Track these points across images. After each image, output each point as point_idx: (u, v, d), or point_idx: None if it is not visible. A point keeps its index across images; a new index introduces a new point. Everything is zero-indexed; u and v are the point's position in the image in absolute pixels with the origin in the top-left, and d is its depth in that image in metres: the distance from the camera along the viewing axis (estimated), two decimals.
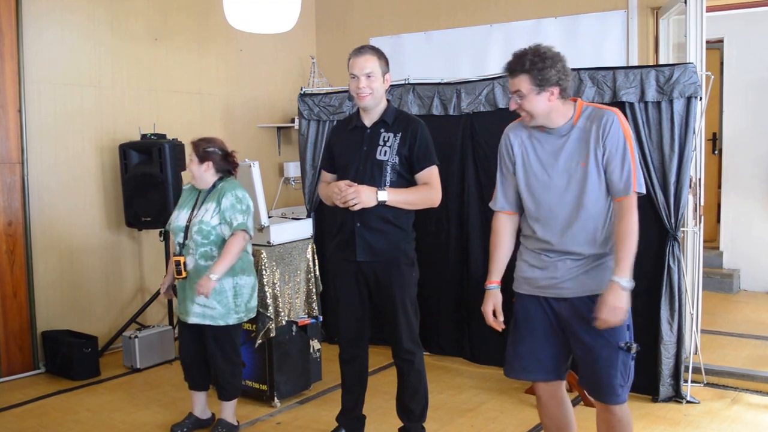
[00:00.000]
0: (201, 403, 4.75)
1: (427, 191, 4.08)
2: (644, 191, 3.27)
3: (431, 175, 4.10)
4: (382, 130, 4.12)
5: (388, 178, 4.04)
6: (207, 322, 4.43)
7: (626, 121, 3.28)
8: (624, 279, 3.16)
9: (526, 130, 3.44)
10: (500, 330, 3.55)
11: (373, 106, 4.13)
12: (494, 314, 3.54)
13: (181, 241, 4.43)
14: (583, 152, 3.25)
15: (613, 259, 3.26)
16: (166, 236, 6.27)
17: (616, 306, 3.15)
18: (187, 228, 4.42)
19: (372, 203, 3.97)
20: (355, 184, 3.99)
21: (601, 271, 3.31)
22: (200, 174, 4.48)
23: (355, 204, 3.95)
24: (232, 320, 4.48)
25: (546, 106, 3.24)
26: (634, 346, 3.27)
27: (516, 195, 3.50)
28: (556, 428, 3.63)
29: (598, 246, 3.30)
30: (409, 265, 4.18)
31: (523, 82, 3.22)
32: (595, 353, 3.30)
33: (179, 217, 4.50)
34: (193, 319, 4.42)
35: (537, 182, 3.40)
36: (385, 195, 3.98)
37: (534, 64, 3.18)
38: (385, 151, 4.07)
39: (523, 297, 3.52)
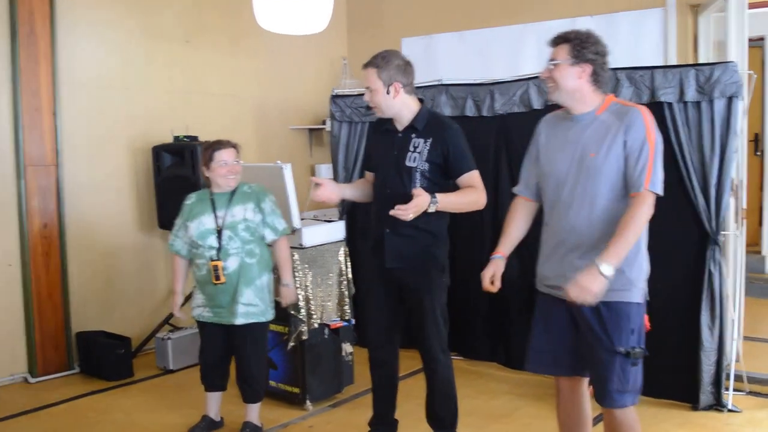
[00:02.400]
0: (216, 405, 4.78)
1: (475, 194, 4.00)
2: (659, 192, 3.20)
3: (472, 178, 4.01)
4: (413, 136, 4.04)
5: (417, 185, 3.96)
6: (252, 320, 4.47)
7: (652, 119, 3.24)
8: (605, 264, 3.11)
9: (557, 118, 3.48)
10: (495, 292, 3.64)
11: (388, 116, 4.08)
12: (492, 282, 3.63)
13: (216, 244, 4.40)
14: (597, 144, 3.25)
15: (630, 267, 3.25)
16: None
17: (585, 287, 3.12)
18: (219, 231, 4.40)
19: (422, 209, 3.79)
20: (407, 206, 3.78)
21: None
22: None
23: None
24: (270, 315, 4.57)
25: (574, 82, 3.28)
26: (638, 351, 3.24)
27: (536, 182, 3.55)
28: (568, 425, 3.62)
29: (605, 243, 3.20)
30: (439, 271, 4.10)
31: (561, 51, 3.30)
32: (595, 356, 3.31)
33: (203, 223, 4.45)
34: (240, 320, 4.43)
35: (546, 167, 3.45)
36: (435, 206, 3.82)
37: (577, 36, 3.27)
38: (415, 158, 4.00)
39: (541, 293, 3.54)
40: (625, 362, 3.23)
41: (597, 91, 3.32)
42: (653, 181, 3.17)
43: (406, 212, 3.72)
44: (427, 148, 3.98)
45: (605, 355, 3.26)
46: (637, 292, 3.29)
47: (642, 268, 3.32)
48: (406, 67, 4.05)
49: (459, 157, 3.99)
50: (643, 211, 3.16)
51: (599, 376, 3.32)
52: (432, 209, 3.81)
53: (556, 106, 5.41)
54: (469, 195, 3.99)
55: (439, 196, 3.84)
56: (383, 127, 4.20)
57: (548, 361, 3.51)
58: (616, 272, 3.17)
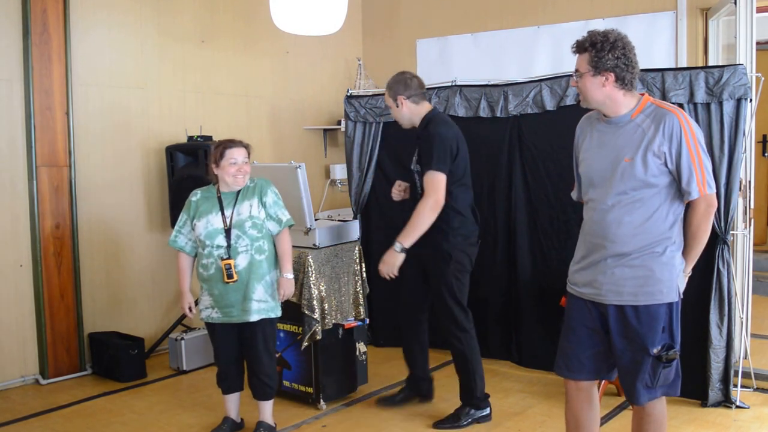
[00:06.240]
0: (236, 405, 4.77)
1: (420, 211, 4.40)
2: (714, 190, 3.23)
3: (427, 183, 4.38)
4: (417, 141, 4.56)
5: (418, 185, 4.47)
6: (263, 316, 4.47)
7: (688, 120, 3.19)
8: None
9: (592, 119, 3.45)
10: None
11: (407, 126, 4.65)
12: None
13: (224, 243, 4.38)
14: (632, 148, 3.21)
15: (661, 268, 3.25)
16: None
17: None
18: (228, 231, 4.39)
19: (399, 261, 4.47)
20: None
21: (639, 272, 3.26)
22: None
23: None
24: (279, 311, 4.58)
25: (599, 92, 3.24)
26: (672, 352, 3.25)
27: None
28: (576, 427, 3.60)
29: (637, 246, 3.24)
30: (445, 261, 4.55)
31: (582, 61, 3.25)
32: (626, 356, 3.32)
33: (211, 222, 4.41)
34: (254, 317, 4.43)
35: (583, 170, 3.45)
36: (400, 246, 4.44)
37: (594, 44, 3.20)
38: (414, 161, 4.56)
39: (571, 295, 3.53)
40: (657, 364, 3.25)
41: (629, 93, 3.26)
42: (708, 183, 3.18)
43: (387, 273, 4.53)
44: (417, 150, 4.46)
45: (638, 357, 3.27)
46: (668, 292, 3.26)
47: (674, 267, 3.28)
48: (408, 80, 4.55)
49: (424, 156, 4.42)
50: (709, 213, 3.22)
51: (629, 375, 3.33)
52: (399, 249, 4.45)
53: (565, 107, 5.48)
54: (418, 216, 4.41)
55: (398, 240, 4.45)
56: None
57: (575, 366, 3.49)
58: (646, 273, 3.23)
